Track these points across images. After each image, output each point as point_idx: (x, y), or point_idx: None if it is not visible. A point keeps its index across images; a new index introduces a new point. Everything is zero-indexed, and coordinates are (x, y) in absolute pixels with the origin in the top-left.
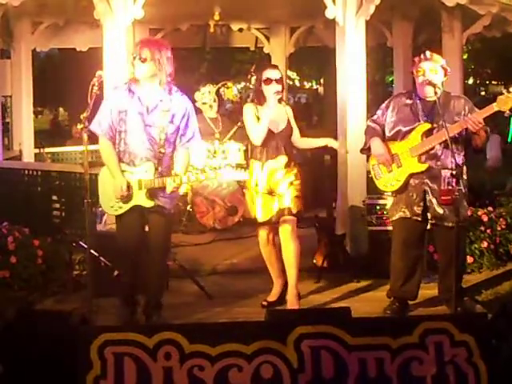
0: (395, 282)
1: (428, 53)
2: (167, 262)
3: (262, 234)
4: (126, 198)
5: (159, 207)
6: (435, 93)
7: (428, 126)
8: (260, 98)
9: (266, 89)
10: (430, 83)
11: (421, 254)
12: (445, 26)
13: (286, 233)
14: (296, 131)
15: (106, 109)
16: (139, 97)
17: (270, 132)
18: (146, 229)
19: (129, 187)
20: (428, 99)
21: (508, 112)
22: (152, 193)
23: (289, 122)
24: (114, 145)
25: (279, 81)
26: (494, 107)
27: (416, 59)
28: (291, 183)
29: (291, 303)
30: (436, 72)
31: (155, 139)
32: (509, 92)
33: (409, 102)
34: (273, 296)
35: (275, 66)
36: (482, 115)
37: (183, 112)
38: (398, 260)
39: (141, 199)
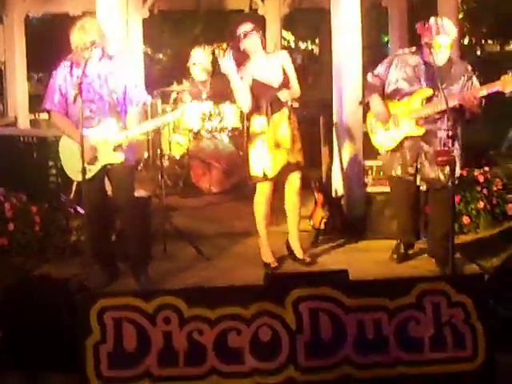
0: (401, 234)
1: (445, 18)
2: (141, 222)
3: (264, 189)
4: (94, 159)
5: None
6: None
7: (430, 91)
8: (243, 58)
9: (245, 43)
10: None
11: (418, 206)
12: None
13: (292, 187)
14: (291, 81)
15: (54, 86)
16: (84, 70)
17: (269, 87)
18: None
19: (95, 148)
20: (435, 63)
21: (509, 92)
22: (117, 148)
23: (284, 71)
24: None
25: (256, 30)
26: (498, 87)
27: (432, 27)
28: (294, 135)
29: (298, 251)
30: (451, 47)
31: (109, 102)
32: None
33: (413, 63)
34: (272, 256)
35: (246, 22)
36: (481, 91)
37: (126, 73)
38: (402, 214)
39: (110, 157)
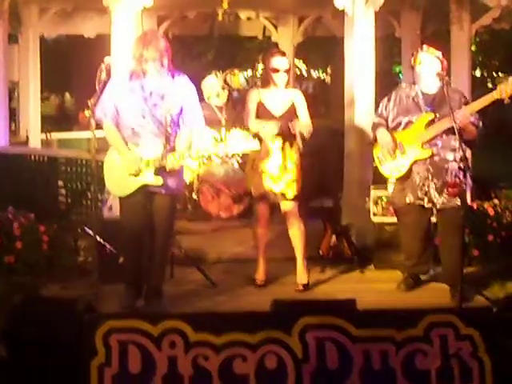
0: (406, 261)
1: (425, 46)
2: (170, 248)
3: (259, 207)
4: (140, 171)
5: (165, 187)
6: (444, 82)
7: (431, 115)
8: (265, 82)
9: (273, 76)
10: (439, 74)
11: (428, 235)
12: (453, 18)
13: (287, 215)
14: (303, 117)
15: (109, 96)
16: (142, 83)
17: (270, 114)
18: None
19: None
20: (429, 91)
21: (507, 100)
22: (159, 171)
23: (292, 106)
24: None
25: (287, 71)
26: (494, 95)
27: (414, 52)
28: (285, 167)
29: (301, 277)
30: (432, 64)
31: (160, 121)
32: (507, 80)
33: (411, 94)
34: (264, 274)
35: (283, 53)
36: (481, 105)
37: (186, 93)
38: (407, 242)
39: (149, 178)
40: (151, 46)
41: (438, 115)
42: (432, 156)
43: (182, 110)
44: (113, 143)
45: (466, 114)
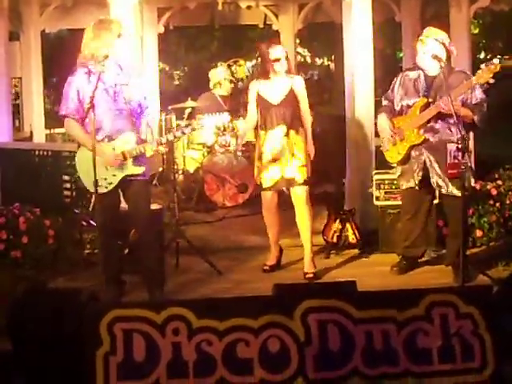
0: (402, 243)
1: (426, 28)
2: (158, 235)
3: (266, 196)
4: (122, 163)
5: (142, 174)
6: (441, 65)
7: (425, 100)
8: (265, 73)
9: (275, 66)
10: (436, 57)
11: (425, 219)
12: (452, 0)
13: (297, 200)
14: (302, 104)
15: (71, 93)
16: (100, 76)
17: (268, 103)
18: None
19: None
20: (430, 74)
21: (485, 85)
22: (135, 160)
23: (292, 92)
24: (83, 125)
25: (286, 57)
26: (473, 81)
27: (418, 35)
28: (293, 154)
29: (308, 266)
30: (430, 47)
31: (124, 110)
32: (486, 65)
33: (413, 76)
34: (272, 260)
35: (278, 43)
36: (463, 90)
37: (138, 84)
38: (405, 225)
39: (130, 168)
40: (107, 42)
41: (432, 100)
42: (428, 140)
43: (139, 101)
44: (82, 139)
45: (450, 100)
